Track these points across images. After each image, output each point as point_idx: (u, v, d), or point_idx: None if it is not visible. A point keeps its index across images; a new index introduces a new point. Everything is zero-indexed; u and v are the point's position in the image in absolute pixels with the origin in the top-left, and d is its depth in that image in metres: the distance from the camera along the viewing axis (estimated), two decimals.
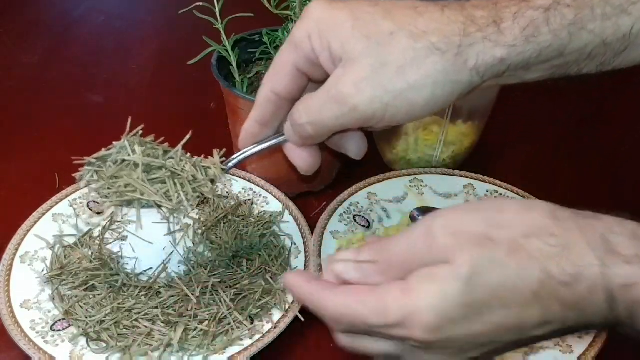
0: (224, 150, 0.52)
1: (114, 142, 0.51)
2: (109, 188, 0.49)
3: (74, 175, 0.52)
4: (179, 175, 0.49)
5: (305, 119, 0.44)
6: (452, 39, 0.40)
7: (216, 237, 0.62)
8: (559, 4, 0.40)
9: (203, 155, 0.52)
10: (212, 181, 0.50)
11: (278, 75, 0.46)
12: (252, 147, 0.50)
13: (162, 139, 0.53)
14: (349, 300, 0.36)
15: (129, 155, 0.49)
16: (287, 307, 0.55)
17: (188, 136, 0.52)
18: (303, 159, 0.49)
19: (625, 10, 0.40)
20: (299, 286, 0.38)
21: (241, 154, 0.50)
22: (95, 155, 0.51)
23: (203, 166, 0.50)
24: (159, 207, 0.49)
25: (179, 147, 0.51)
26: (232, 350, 0.52)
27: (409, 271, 0.35)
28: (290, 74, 0.45)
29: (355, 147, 0.49)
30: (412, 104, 0.41)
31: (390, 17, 0.41)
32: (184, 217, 0.65)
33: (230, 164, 0.51)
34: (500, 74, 0.41)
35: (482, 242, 0.33)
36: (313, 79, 0.46)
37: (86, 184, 0.50)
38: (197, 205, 0.66)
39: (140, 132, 0.52)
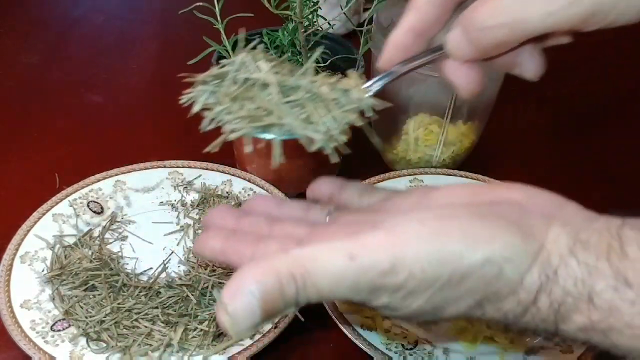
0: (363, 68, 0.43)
1: (228, 59, 0.41)
2: (228, 113, 0.38)
3: (183, 93, 0.42)
4: (320, 98, 0.38)
5: (501, 19, 0.34)
6: None
7: None
8: None
9: (340, 74, 0.41)
10: (361, 112, 0.39)
11: None
12: (399, 65, 0.39)
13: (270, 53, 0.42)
14: None
15: (252, 72, 0.39)
16: None
17: (319, 51, 0.42)
18: (469, 78, 0.39)
19: None
20: None
21: (387, 74, 0.40)
22: (209, 73, 0.40)
23: (342, 89, 0.39)
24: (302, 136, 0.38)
25: (310, 62, 0.40)
26: (232, 350, 0.52)
27: None
28: None
29: (533, 65, 0.39)
30: None
31: None
32: (185, 217, 0.65)
33: (375, 86, 0.40)
34: None
35: None
36: None
37: (201, 108, 0.40)
38: (198, 205, 0.66)
39: (262, 45, 0.41)
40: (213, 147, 0.38)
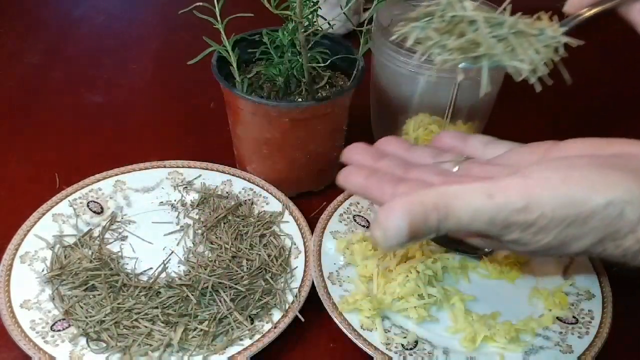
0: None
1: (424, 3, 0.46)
2: (440, 47, 0.43)
3: (394, 30, 0.45)
4: (522, 33, 0.43)
5: None
6: None
7: (216, 237, 0.62)
8: None
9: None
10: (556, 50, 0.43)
11: None
12: (587, 8, 0.45)
13: None
14: None
15: (459, 11, 0.43)
16: (287, 307, 0.55)
17: None
18: None
19: None
20: None
21: (576, 16, 0.45)
22: (420, 11, 0.45)
23: (539, 27, 0.44)
24: (506, 67, 0.43)
25: (508, 2, 0.44)
26: (232, 350, 0.52)
27: None
28: None
29: None
30: None
31: None
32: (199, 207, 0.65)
33: (568, 26, 0.45)
34: None
35: None
36: None
37: (414, 43, 0.45)
38: (198, 205, 0.66)
39: None
40: (437, 70, 0.43)
